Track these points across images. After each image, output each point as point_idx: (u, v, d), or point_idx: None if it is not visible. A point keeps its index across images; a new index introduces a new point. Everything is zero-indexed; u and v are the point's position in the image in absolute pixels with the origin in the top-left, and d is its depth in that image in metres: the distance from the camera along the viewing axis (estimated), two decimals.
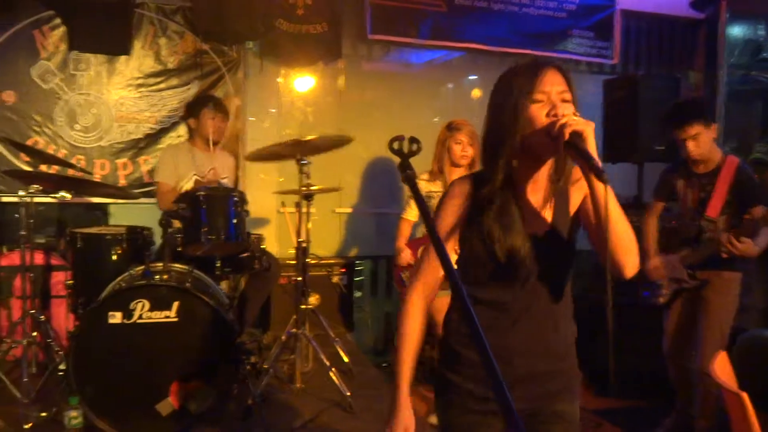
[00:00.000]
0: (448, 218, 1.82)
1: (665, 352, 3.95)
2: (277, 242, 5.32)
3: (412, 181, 1.47)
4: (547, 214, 1.79)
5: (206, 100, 4.43)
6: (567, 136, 1.55)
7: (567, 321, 1.88)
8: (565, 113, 1.60)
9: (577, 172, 1.75)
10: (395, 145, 1.52)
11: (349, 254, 5.60)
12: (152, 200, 4.85)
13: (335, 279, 5.22)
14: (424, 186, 4.05)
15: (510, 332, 1.78)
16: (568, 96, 1.67)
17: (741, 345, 3.46)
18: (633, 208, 5.02)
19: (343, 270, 5.26)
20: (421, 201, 1.39)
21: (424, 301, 1.87)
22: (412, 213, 4.12)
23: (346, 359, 4.34)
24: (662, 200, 3.95)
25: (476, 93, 6.27)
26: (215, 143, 4.37)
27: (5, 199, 4.63)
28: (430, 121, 5.87)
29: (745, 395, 2.09)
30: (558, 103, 1.64)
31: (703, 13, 5.95)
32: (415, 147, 1.53)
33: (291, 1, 5.12)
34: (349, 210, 5.66)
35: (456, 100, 6.25)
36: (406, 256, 4.04)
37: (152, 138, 5.04)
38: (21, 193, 3.63)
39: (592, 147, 1.55)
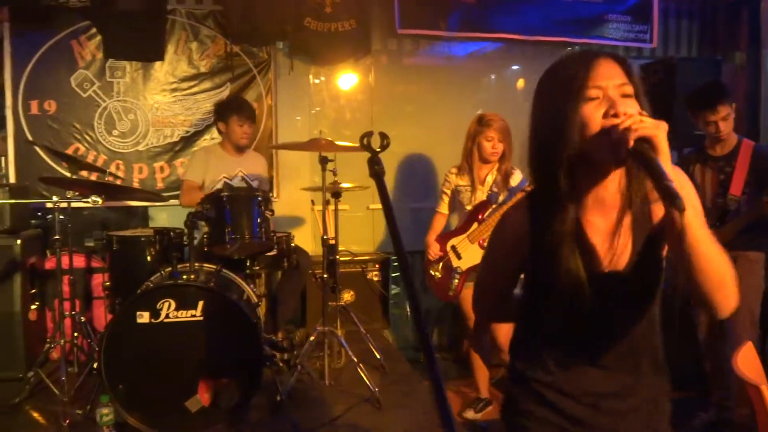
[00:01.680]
0: (499, 255, 1.65)
1: (701, 342, 3.87)
2: (312, 240, 5.37)
3: (379, 177, 1.47)
4: (622, 240, 1.48)
5: (234, 107, 4.46)
6: (631, 143, 1.27)
7: (653, 362, 1.60)
8: (628, 112, 1.34)
9: None
10: (365, 141, 1.53)
11: (385, 250, 5.61)
12: None
13: (370, 275, 5.24)
14: (453, 180, 4.01)
15: (586, 372, 1.54)
16: (629, 90, 1.39)
17: None
18: None
19: (378, 266, 5.28)
20: (385, 197, 1.40)
21: None
22: (444, 206, 4.09)
23: (377, 356, 4.35)
24: None
25: (520, 83, 6.19)
26: (244, 148, 4.45)
27: (50, 205, 4.79)
28: (473, 113, 5.81)
29: (763, 387, 2.03)
30: (617, 99, 1.37)
31: None
32: (385, 142, 1.55)
33: (319, 0, 5.16)
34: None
35: (497, 91, 6.17)
36: (434, 250, 4.01)
37: (187, 141, 5.16)
38: (55, 198, 3.75)
39: (664, 157, 1.25)
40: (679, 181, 1.30)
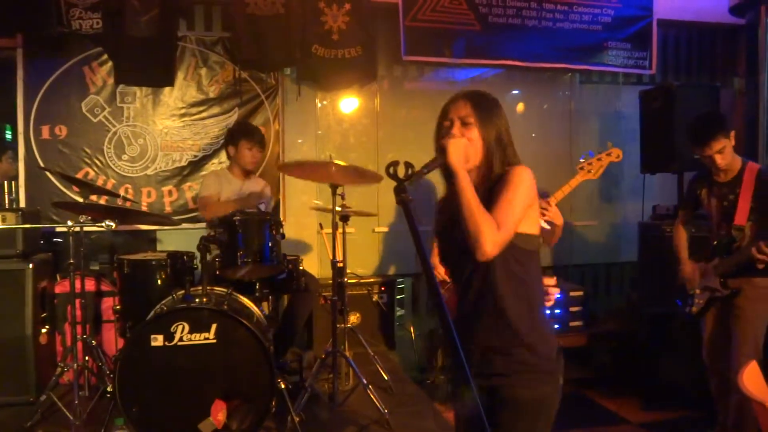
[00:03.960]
0: None
1: (705, 362, 3.92)
2: (318, 263, 5.43)
3: (406, 204, 1.53)
4: None
5: (245, 131, 4.56)
6: (438, 149, 1.98)
7: (514, 303, 2.07)
8: (453, 131, 2.04)
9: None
10: (391, 170, 1.59)
11: (390, 273, 5.66)
12: (196, 225, 5.04)
13: (375, 297, 5.29)
14: None
15: (466, 308, 2.12)
16: (470, 119, 2.05)
17: None
18: (673, 218, 4.96)
19: (383, 288, 5.32)
20: (412, 223, 1.46)
21: None
22: None
23: (385, 377, 4.39)
24: (688, 209, 4.01)
25: (520, 107, 6.29)
26: (250, 172, 4.52)
27: (60, 229, 4.85)
28: None
29: None
30: (457, 126, 2.05)
31: (744, 19, 5.84)
32: (410, 171, 1.61)
33: (326, 28, 5.26)
34: (388, 229, 5.73)
35: None
36: (438, 272, 4.04)
37: (195, 165, 5.23)
38: (69, 223, 3.80)
39: (452, 157, 1.93)
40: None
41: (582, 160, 3.69)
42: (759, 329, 3.65)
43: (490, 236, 1.88)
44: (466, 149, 2.00)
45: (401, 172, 1.61)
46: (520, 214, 1.98)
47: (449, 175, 1.98)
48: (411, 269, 5.65)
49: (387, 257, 5.76)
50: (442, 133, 2.08)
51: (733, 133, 3.64)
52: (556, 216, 3.61)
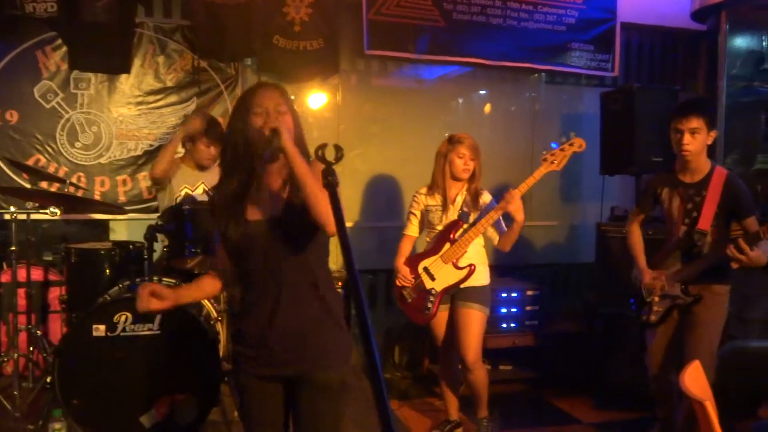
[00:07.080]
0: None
1: (649, 367, 3.82)
2: None
3: (332, 188, 1.49)
4: (282, 199, 2.19)
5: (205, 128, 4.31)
6: (267, 132, 2.06)
7: (317, 292, 2.22)
8: (273, 118, 2.11)
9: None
10: (320, 152, 1.56)
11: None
12: (150, 216, 4.93)
13: None
14: (423, 200, 3.99)
15: (260, 304, 2.19)
16: (283, 108, 2.16)
17: (723, 355, 3.41)
18: None
19: (340, 284, 5.26)
20: (338, 207, 1.41)
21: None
22: (413, 229, 4.05)
23: None
24: (644, 210, 3.86)
25: (487, 108, 6.28)
26: (205, 168, 4.39)
27: (7, 216, 4.70)
28: (439, 135, 5.85)
29: (708, 404, 2.08)
30: (272, 113, 2.13)
31: (705, 25, 5.90)
32: (339, 154, 1.57)
33: (288, 18, 5.19)
34: (348, 224, 5.68)
35: (464, 115, 6.24)
36: (404, 274, 3.95)
37: (151, 155, 5.10)
38: (12, 209, 3.70)
39: (288, 140, 2.04)
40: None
41: (545, 152, 3.68)
42: (715, 336, 3.56)
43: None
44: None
45: (330, 155, 1.56)
46: None
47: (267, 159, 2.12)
48: (370, 265, 5.60)
49: None
50: (251, 121, 2.13)
51: (713, 133, 3.49)
52: (519, 210, 3.60)
